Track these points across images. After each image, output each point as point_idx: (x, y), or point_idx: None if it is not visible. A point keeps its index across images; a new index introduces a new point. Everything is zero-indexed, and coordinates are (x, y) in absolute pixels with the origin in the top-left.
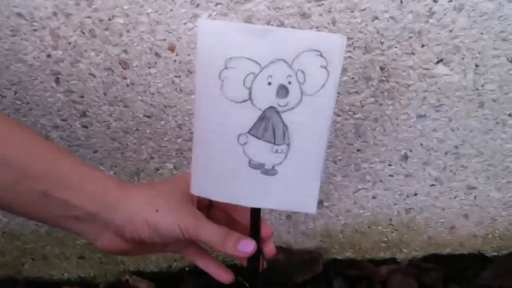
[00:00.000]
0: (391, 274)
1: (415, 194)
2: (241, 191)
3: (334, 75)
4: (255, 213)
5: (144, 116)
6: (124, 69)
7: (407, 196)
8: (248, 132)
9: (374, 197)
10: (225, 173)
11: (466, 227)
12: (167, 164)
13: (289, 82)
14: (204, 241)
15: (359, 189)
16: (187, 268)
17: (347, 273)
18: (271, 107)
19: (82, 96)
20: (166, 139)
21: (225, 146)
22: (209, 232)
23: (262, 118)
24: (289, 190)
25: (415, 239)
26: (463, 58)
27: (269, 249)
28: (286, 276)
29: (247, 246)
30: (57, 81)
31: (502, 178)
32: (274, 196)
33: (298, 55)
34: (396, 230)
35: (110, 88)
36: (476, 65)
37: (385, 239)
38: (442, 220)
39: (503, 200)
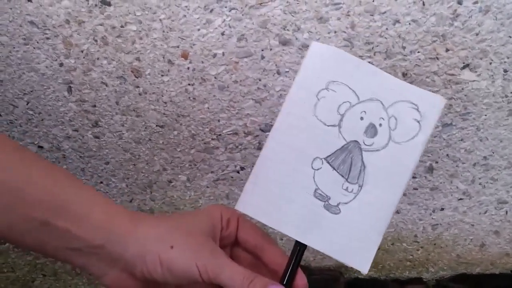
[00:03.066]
0: None
1: (442, 209)
2: (293, 219)
3: (426, 131)
4: (298, 251)
5: (156, 125)
6: (137, 77)
7: (433, 211)
8: (326, 158)
9: (398, 212)
10: (285, 194)
11: (497, 245)
12: (180, 176)
13: (380, 124)
14: (225, 284)
15: None
16: None
17: None
18: (356, 142)
19: (94, 106)
20: (179, 149)
21: (296, 165)
22: (232, 274)
23: (344, 149)
24: (346, 236)
25: (443, 257)
26: (490, 63)
27: None
28: None
29: None
30: (69, 90)
31: None
32: (327, 237)
33: (396, 102)
34: (421, 247)
35: (123, 97)
36: (505, 70)
37: (410, 257)
38: (471, 237)
39: None
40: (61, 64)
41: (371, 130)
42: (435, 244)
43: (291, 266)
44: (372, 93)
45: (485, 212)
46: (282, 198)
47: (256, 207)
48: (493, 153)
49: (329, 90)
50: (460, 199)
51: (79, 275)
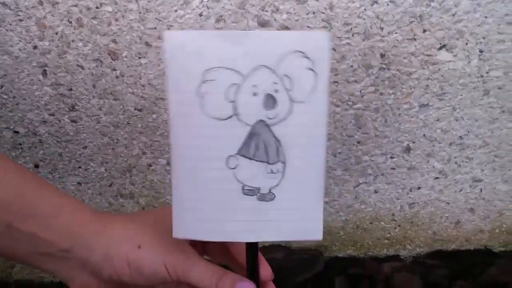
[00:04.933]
0: (395, 272)
1: (419, 188)
2: (235, 225)
3: (322, 76)
4: (252, 249)
5: (135, 109)
6: (114, 60)
7: (410, 190)
8: (238, 153)
9: (376, 192)
10: (215, 206)
11: (472, 222)
12: (160, 159)
13: (276, 91)
14: (195, 282)
15: (360, 184)
16: None
17: (349, 271)
18: (260, 121)
19: (70, 89)
20: (158, 133)
21: (212, 174)
22: (201, 272)
23: (252, 134)
24: (290, 216)
25: (419, 235)
26: (466, 44)
27: None
28: (285, 276)
29: None
30: (44, 73)
31: (509, 170)
32: (274, 225)
33: (281, 59)
34: (399, 225)
35: (99, 80)
36: (481, 51)
37: (388, 235)
38: (447, 215)
39: (510, 193)
40: (35, 47)
41: (269, 102)
42: (412, 222)
43: (250, 262)
44: (252, 61)
45: (461, 191)
46: (215, 210)
47: (194, 228)
48: (469, 132)
49: (207, 82)
50: (436, 178)
51: None
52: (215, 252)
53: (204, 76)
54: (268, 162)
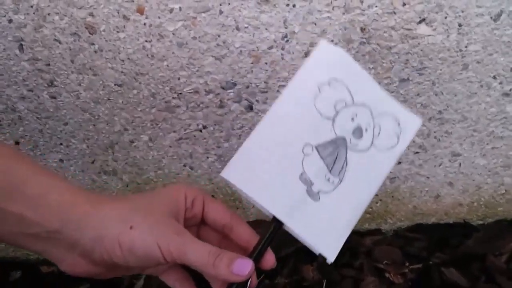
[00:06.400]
0: (376, 245)
1: (399, 163)
2: (275, 196)
3: (403, 144)
4: (274, 228)
5: (115, 85)
6: (91, 34)
7: None
8: (316, 146)
9: None
10: (272, 171)
11: (451, 196)
12: (142, 136)
13: (366, 130)
14: (191, 262)
15: None
16: None
17: None
18: (344, 139)
19: (48, 64)
20: (139, 109)
21: (287, 148)
22: (197, 251)
23: (333, 142)
24: (320, 224)
25: (400, 209)
26: (445, 17)
27: (254, 278)
28: None
29: (243, 267)
30: (21, 48)
31: (487, 144)
32: (303, 221)
33: (382, 113)
34: (380, 200)
35: (78, 55)
36: (460, 25)
37: (370, 209)
38: (426, 189)
39: (488, 167)
40: (10, 21)
41: (358, 132)
42: (393, 196)
43: (263, 241)
44: (365, 99)
45: (440, 165)
46: (268, 174)
47: (241, 177)
48: (448, 107)
49: (330, 86)
50: (416, 152)
51: None
52: (209, 236)
53: (330, 81)
54: (330, 171)
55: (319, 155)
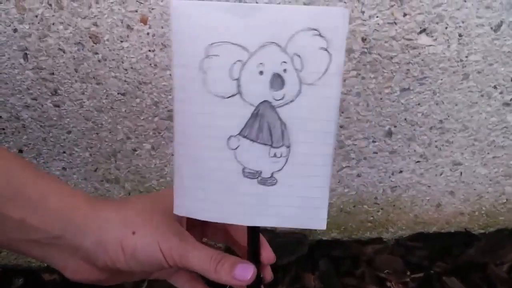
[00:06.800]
0: (377, 254)
1: (400, 172)
2: (234, 207)
3: (337, 58)
4: (253, 233)
5: (118, 93)
6: (95, 43)
7: (392, 174)
8: (240, 134)
9: (358, 175)
10: (215, 186)
11: (452, 205)
12: (144, 144)
13: (284, 70)
14: (193, 267)
15: (343, 167)
16: None
17: (333, 254)
18: (265, 102)
19: (52, 73)
20: (142, 118)
21: (213, 153)
22: (198, 256)
23: (256, 115)
24: (292, 202)
25: (401, 217)
26: (446, 28)
27: (268, 274)
28: None
29: (245, 272)
30: (25, 57)
31: (488, 153)
32: (274, 211)
33: (292, 37)
34: (381, 209)
35: (81, 64)
36: (460, 35)
37: (371, 218)
38: (428, 198)
39: (489, 176)
40: (15, 30)
41: (277, 82)
42: (394, 205)
43: (251, 245)
44: (261, 37)
45: (441, 174)
46: (214, 191)
47: (194, 207)
48: (449, 116)
49: (211, 57)
50: (418, 161)
51: None
52: (215, 234)
53: (208, 50)
54: (271, 146)
55: (248, 140)
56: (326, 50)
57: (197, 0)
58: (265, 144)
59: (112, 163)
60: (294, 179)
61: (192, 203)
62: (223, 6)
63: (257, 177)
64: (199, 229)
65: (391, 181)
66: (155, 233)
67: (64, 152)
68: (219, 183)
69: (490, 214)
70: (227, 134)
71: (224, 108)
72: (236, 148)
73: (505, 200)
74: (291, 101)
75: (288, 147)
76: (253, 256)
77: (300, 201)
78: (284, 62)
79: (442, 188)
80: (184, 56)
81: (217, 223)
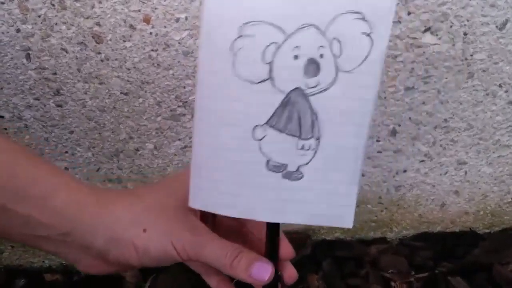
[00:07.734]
0: (381, 254)
1: (405, 171)
2: (256, 202)
3: (380, 45)
4: (273, 229)
5: (121, 93)
6: (98, 43)
7: (397, 173)
8: (267, 123)
9: (362, 175)
10: (236, 178)
11: (457, 204)
12: (147, 144)
13: (321, 55)
14: (208, 262)
15: None
16: None
17: (336, 254)
18: (297, 89)
19: (55, 73)
20: (145, 117)
21: (236, 143)
22: (214, 251)
23: (285, 104)
24: (318, 198)
25: (405, 217)
26: (451, 26)
27: (290, 274)
28: None
29: (263, 272)
30: (28, 57)
31: (493, 152)
32: (299, 207)
33: (333, 20)
34: (385, 208)
35: (84, 64)
36: (465, 33)
37: (375, 218)
38: (432, 197)
39: (494, 175)
40: (18, 30)
41: (312, 68)
42: (398, 205)
43: (270, 242)
44: (299, 18)
45: (446, 173)
46: (235, 184)
47: (211, 200)
48: (453, 115)
49: (244, 37)
50: (422, 161)
51: None
52: (227, 231)
53: (242, 30)
54: (300, 137)
55: (276, 130)
56: (368, 35)
57: None
58: (293, 136)
59: (115, 163)
60: (321, 174)
61: (210, 196)
62: None
63: (282, 171)
64: (211, 222)
65: (395, 180)
66: (168, 230)
67: (66, 152)
68: (240, 176)
69: (495, 213)
70: (253, 123)
71: (252, 95)
72: (261, 139)
73: (510, 199)
74: (325, 90)
75: (318, 139)
76: (271, 254)
77: (326, 198)
78: (322, 46)
79: (446, 188)
80: (215, 36)
81: (231, 221)
